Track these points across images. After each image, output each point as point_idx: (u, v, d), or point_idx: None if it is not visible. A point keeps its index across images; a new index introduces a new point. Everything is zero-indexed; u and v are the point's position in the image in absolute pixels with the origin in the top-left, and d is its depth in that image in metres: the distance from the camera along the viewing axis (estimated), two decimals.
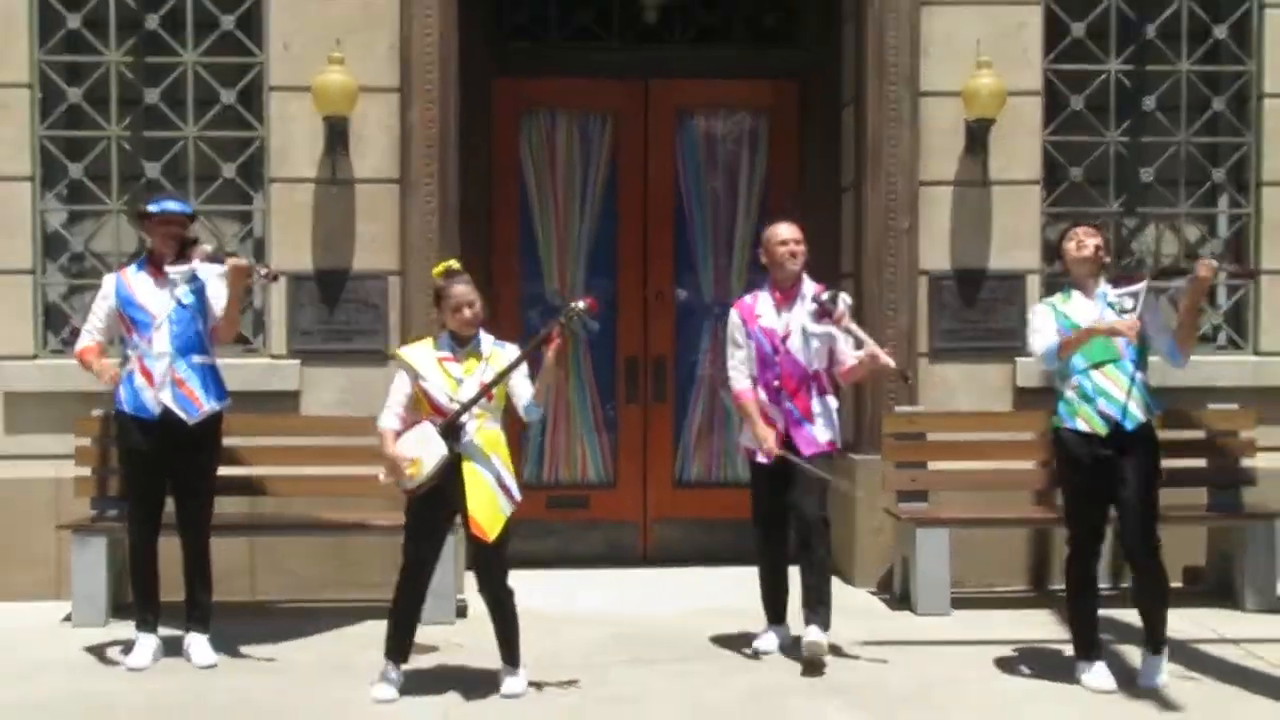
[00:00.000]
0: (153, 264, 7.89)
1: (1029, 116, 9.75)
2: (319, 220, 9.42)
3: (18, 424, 9.38)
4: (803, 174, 10.58)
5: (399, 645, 7.38)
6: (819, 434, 7.86)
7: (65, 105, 9.52)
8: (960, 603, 9.07)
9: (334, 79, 9.15)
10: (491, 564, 7.29)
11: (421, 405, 7.25)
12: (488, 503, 7.17)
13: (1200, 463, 9.48)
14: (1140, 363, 7.41)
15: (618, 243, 10.61)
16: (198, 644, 7.96)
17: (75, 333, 9.41)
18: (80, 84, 9.52)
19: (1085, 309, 7.44)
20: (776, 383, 7.85)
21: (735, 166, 10.71)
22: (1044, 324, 7.48)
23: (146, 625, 7.96)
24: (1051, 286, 9.81)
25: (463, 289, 7.22)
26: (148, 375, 7.78)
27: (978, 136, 9.62)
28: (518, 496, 7.28)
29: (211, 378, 7.94)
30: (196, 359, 7.85)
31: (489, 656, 8.02)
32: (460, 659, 8.11)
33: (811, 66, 10.50)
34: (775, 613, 8.24)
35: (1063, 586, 9.41)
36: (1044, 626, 8.69)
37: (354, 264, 9.38)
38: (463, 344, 7.27)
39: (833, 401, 7.95)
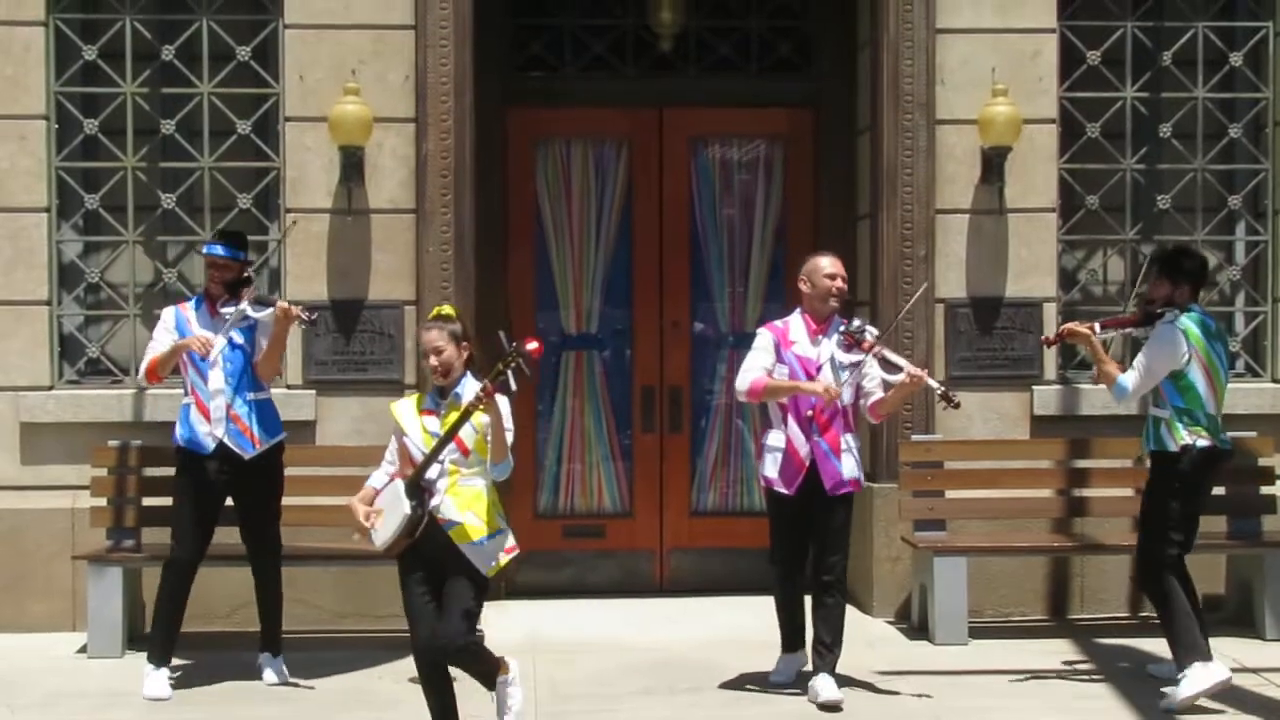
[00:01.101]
0: (209, 302, 8.13)
1: (1045, 144, 9.77)
2: (334, 250, 9.45)
3: (34, 454, 9.40)
4: (818, 202, 10.57)
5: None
6: (846, 470, 7.80)
7: (81, 136, 9.56)
8: (978, 632, 9.06)
9: (349, 109, 9.19)
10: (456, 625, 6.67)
11: (405, 462, 6.81)
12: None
13: (1219, 490, 9.38)
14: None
15: (633, 271, 10.61)
16: (273, 665, 8.20)
17: (91, 364, 9.52)
18: (97, 115, 9.55)
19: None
20: (810, 413, 7.74)
21: (750, 195, 10.72)
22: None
23: (163, 660, 8.04)
24: (1068, 315, 9.87)
25: (429, 335, 6.74)
26: (204, 411, 8.01)
27: (994, 164, 9.62)
28: (492, 563, 6.68)
29: (266, 413, 8.17)
30: (251, 396, 8.08)
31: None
32: (476, 688, 8.07)
33: (826, 95, 10.51)
34: (791, 642, 8.23)
35: (1084, 615, 9.50)
36: (1062, 656, 8.67)
37: (369, 294, 9.41)
38: (444, 395, 6.73)
39: (854, 440, 7.94)
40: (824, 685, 7.65)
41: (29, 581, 9.29)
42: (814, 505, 7.81)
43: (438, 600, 6.62)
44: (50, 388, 9.43)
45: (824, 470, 7.74)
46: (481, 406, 6.39)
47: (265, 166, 9.63)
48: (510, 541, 6.85)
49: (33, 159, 9.43)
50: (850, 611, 9.57)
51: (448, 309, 6.95)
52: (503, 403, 6.48)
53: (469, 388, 6.61)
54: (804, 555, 8.05)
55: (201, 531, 8.14)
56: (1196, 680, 7.49)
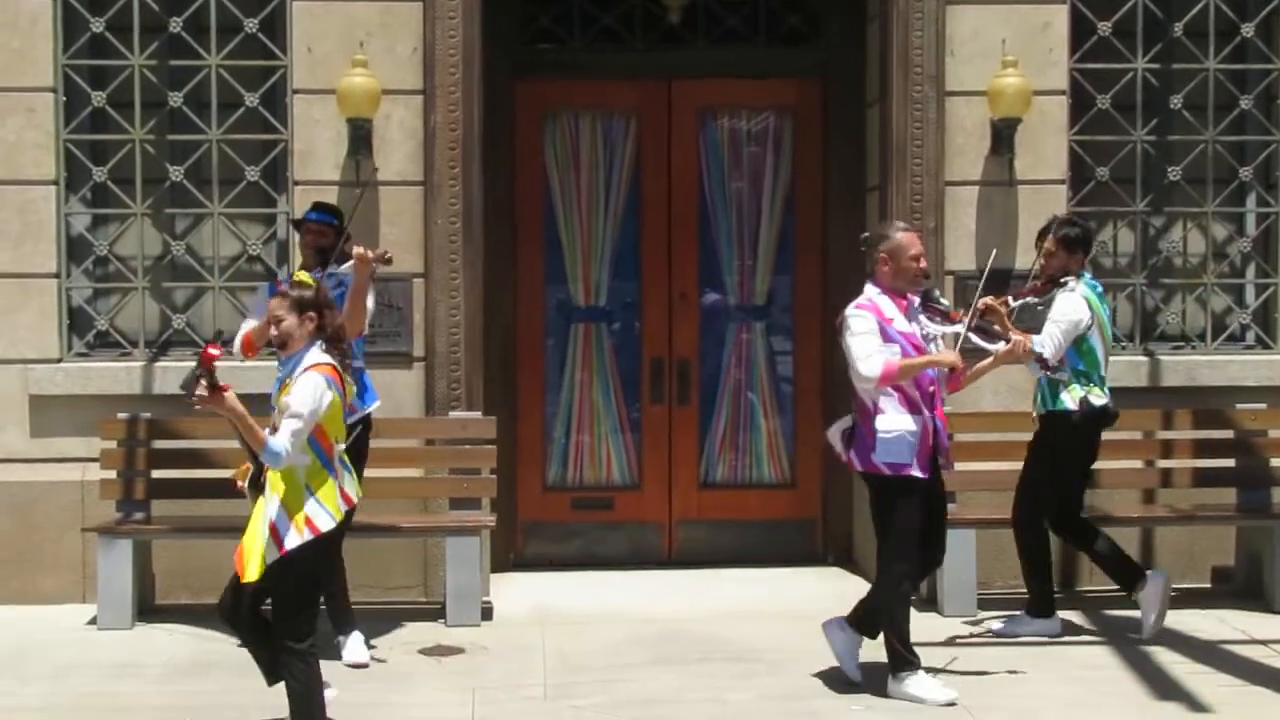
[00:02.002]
0: (304, 270, 8.14)
1: (1055, 116, 9.78)
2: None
3: (43, 427, 9.44)
4: (827, 174, 10.60)
5: None
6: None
7: (89, 109, 9.59)
8: (987, 603, 9.10)
9: (357, 82, 9.22)
10: (242, 605, 6.56)
11: None
12: (252, 543, 6.32)
13: (1229, 463, 9.50)
14: None
15: (641, 244, 10.64)
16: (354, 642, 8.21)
17: (100, 336, 9.55)
18: (104, 88, 9.58)
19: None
20: (932, 388, 7.49)
21: (759, 167, 10.74)
22: None
23: (341, 625, 8.25)
24: None
25: (271, 303, 6.54)
26: None
27: (1004, 136, 9.63)
28: (287, 546, 6.21)
29: (361, 384, 8.10)
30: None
31: (514, 656, 8.14)
32: (485, 660, 8.20)
33: (836, 66, 10.53)
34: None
35: (1092, 586, 9.56)
36: (1071, 627, 8.72)
37: (377, 267, 9.42)
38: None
39: None
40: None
41: (39, 554, 9.36)
42: (933, 486, 7.58)
43: None
44: (59, 360, 9.48)
45: (942, 447, 7.56)
46: (194, 402, 6.08)
47: (273, 139, 9.64)
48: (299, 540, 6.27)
49: (41, 132, 9.46)
50: (857, 583, 9.70)
51: (303, 276, 6.83)
52: (310, 390, 6.24)
53: (311, 358, 6.37)
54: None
55: None
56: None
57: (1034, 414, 8.60)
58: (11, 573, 9.34)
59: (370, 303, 8.14)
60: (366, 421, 8.20)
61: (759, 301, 10.74)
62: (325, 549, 6.44)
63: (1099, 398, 8.35)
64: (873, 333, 7.34)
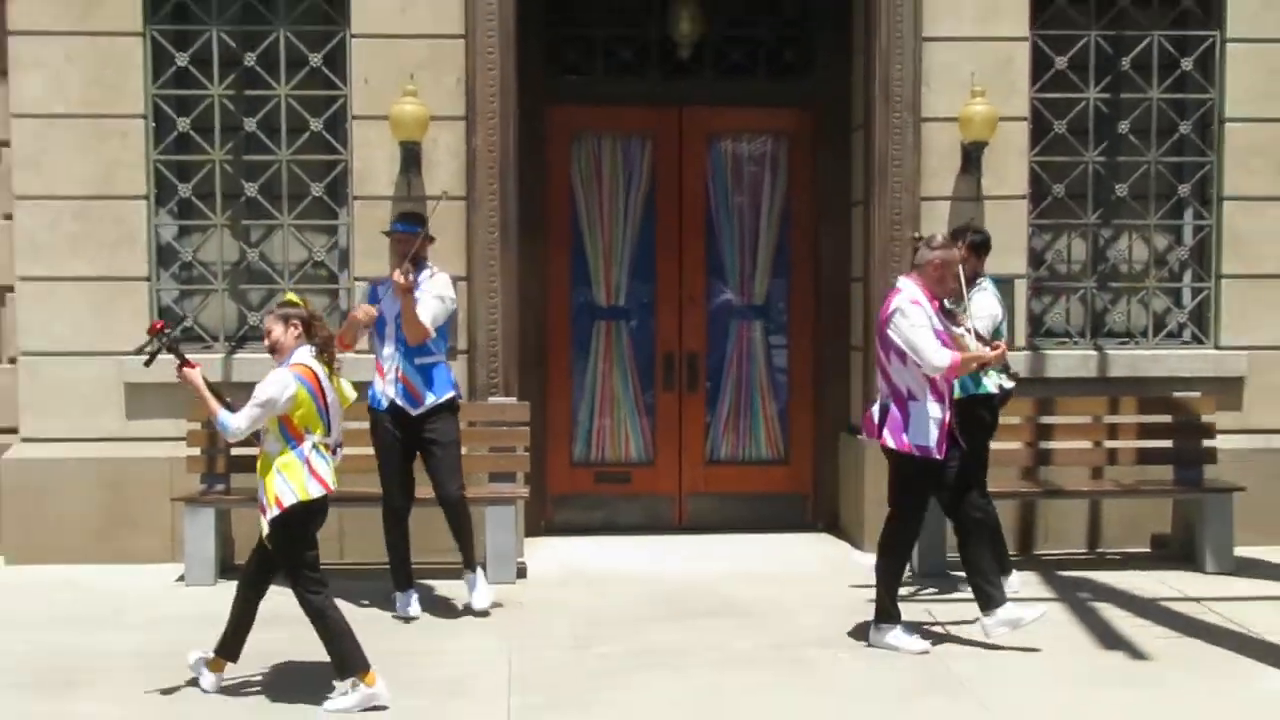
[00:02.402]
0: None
1: (1017, 139, 9.88)
2: None
3: (137, 411, 9.56)
4: (817, 190, 10.69)
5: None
6: None
7: (175, 133, 9.68)
8: (955, 565, 9.11)
9: (408, 109, 9.34)
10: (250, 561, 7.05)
11: None
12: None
13: (1167, 443, 9.63)
14: None
15: (656, 251, 10.73)
16: (479, 585, 8.32)
17: (185, 331, 9.64)
18: (188, 114, 9.68)
19: None
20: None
21: (758, 183, 10.83)
22: None
23: (404, 585, 8.38)
24: (1037, 290, 10.06)
25: (265, 321, 6.93)
26: (380, 372, 8.26)
27: (972, 157, 9.75)
28: (265, 519, 6.62)
29: (433, 375, 8.21)
30: (419, 360, 8.16)
31: (545, 610, 8.28)
32: (520, 613, 8.34)
33: (825, 96, 10.60)
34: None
35: (1047, 550, 9.65)
36: (1028, 585, 8.81)
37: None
38: None
39: None
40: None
41: (134, 521, 9.50)
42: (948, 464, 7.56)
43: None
44: None
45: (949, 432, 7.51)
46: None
47: (335, 159, 9.75)
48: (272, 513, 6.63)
49: (133, 153, 9.56)
50: (843, 548, 9.83)
51: (290, 296, 7.04)
52: (275, 381, 6.55)
53: (294, 359, 6.68)
54: None
55: (398, 479, 8.33)
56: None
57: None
58: (111, 536, 9.49)
59: (427, 314, 8.09)
60: (442, 408, 8.24)
61: (758, 301, 10.86)
62: (298, 521, 6.65)
63: (1007, 380, 8.50)
64: (928, 326, 7.33)
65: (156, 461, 9.48)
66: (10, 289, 9.73)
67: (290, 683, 7.04)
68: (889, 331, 7.42)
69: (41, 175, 9.53)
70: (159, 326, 7.03)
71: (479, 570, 8.36)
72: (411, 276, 8.04)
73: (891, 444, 7.47)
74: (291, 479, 6.59)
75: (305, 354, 6.71)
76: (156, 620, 8.13)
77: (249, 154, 9.79)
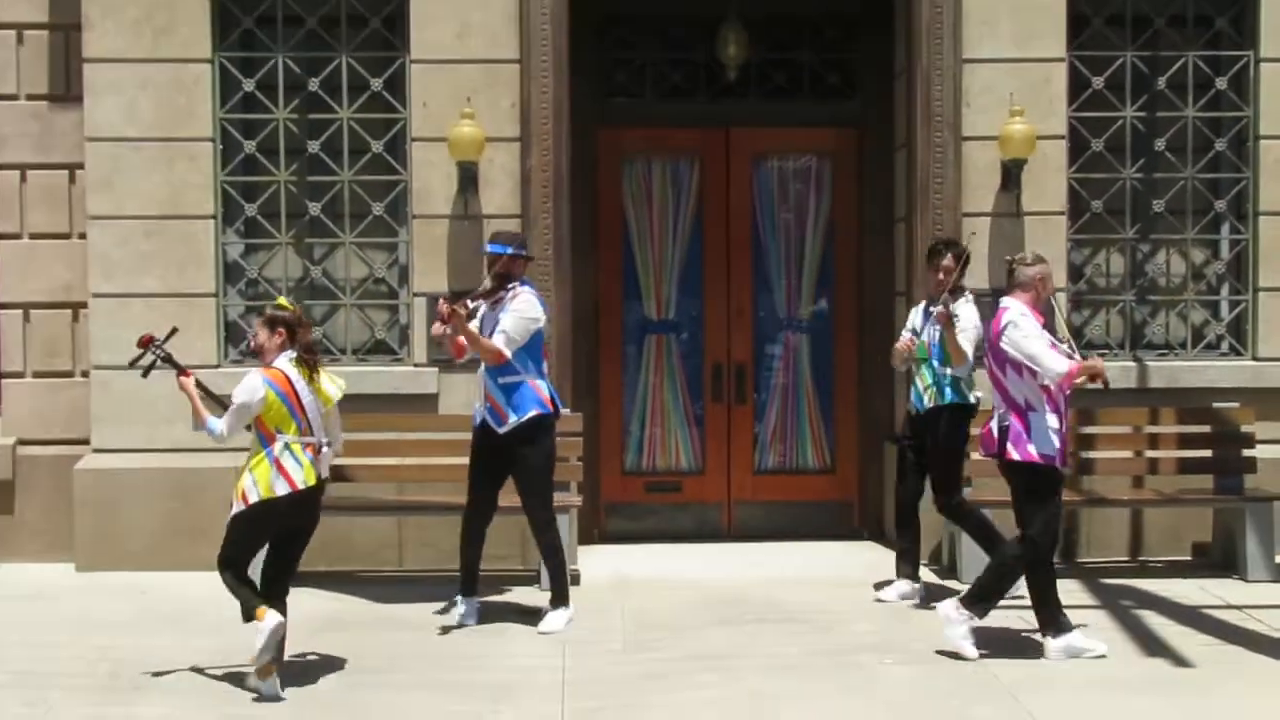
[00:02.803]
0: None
1: (1056, 157, 9.67)
2: (453, 250, 9.48)
3: None
4: (861, 208, 10.51)
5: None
6: None
7: (242, 155, 9.62)
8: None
9: (465, 131, 9.22)
10: None
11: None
12: None
13: (1207, 453, 9.40)
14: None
15: (704, 267, 10.58)
16: (550, 617, 7.98)
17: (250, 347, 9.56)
18: (254, 137, 9.61)
19: (916, 314, 8.74)
20: (1069, 393, 7.35)
21: (803, 202, 10.65)
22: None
23: (467, 590, 8.14)
24: (1077, 303, 9.82)
25: (256, 322, 7.22)
26: (480, 391, 8.01)
27: (1012, 175, 9.55)
28: (232, 511, 6.91)
29: (518, 394, 7.83)
30: (502, 379, 7.82)
31: (598, 616, 8.11)
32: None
33: (868, 116, 10.44)
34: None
35: (1090, 558, 9.45)
36: (1071, 593, 8.56)
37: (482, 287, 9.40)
38: None
39: None
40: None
41: (203, 529, 9.25)
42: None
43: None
44: (217, 366, 9.51)
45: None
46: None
47: (395, 179, 9.66)
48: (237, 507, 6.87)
49: (202, 175, 9.51)
50: (889, 554, 9.58)
51: (280, 301, 7.16)
52: (245, 386, 6.75)
53: (274, 363, 6.83)
54: None
55: (478, 489, 8.04)
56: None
57: (918, 411, 8.49)
58: (179, 544, 9.38)
59: (501, 334, 7.77)
60: (527, 427, 7.83)
61: (804, 315, 10.67)
62: (260, 516, 6.82)
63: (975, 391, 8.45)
64: (1042, 336, 7.14)
65: (224, 471, 9.18)
66: (84, 305, 9.65)
67: (351, 681, 6.85)
68: (1003, 345, 7.17)
69: (114, 196, 9.46)
70: (148, 339, 7.20)
71: (562, 610, 8.01)
72: (473, 303, 7.86)
73: (1017, 456, 7.14)
74: (259, 478, 6.75)
75: (284, 358, 6.82)
76: (222, 625, 7.95)
77: (312, 175, 9.70)
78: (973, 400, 8.39)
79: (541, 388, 7.90)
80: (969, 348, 8.22)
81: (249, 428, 6.88)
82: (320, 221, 9.67)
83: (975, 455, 8.23)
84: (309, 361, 6.87)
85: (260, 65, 9.61)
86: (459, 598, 8.16)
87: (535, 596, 8.43)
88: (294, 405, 6.76)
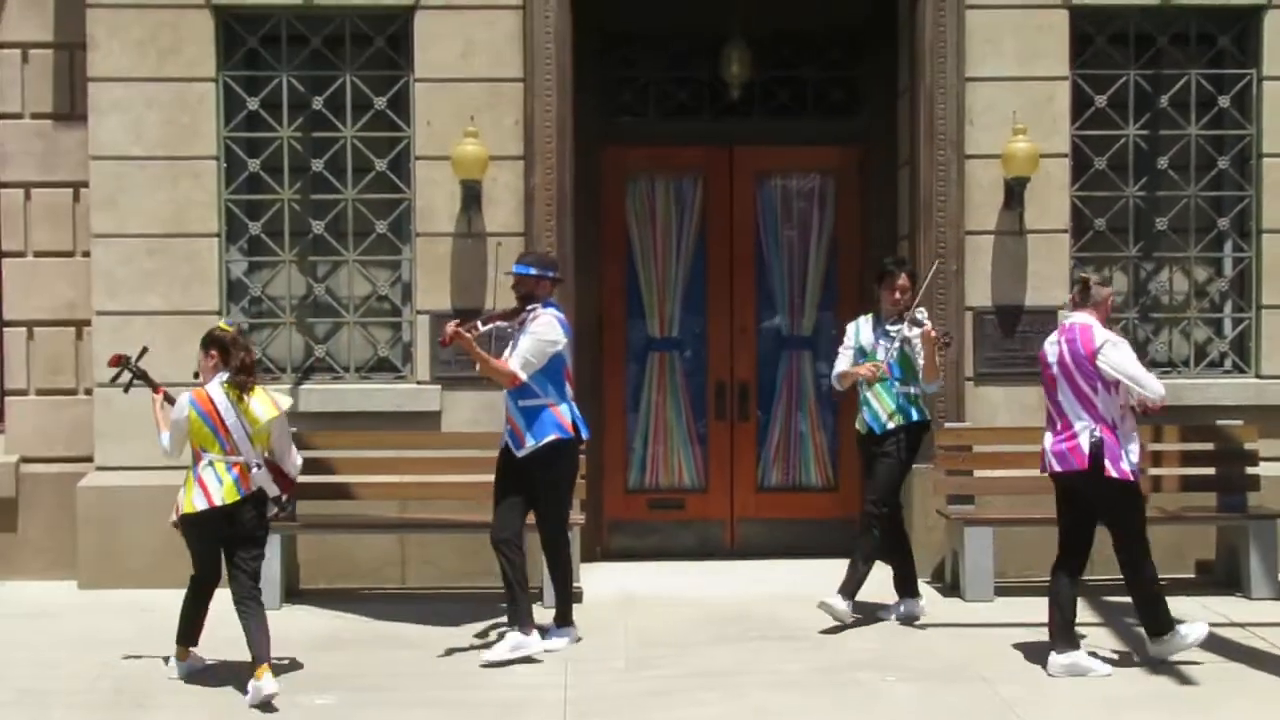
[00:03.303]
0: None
1: (1059, 175, 9.67)
2: (456, 268, 9.50)
3: None
4: (864, 226, 10.51)
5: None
6: None
7: (246, 174, 9.65)
8: (1003, 590, 9.00)
9: (469, 149, 9.24)
10: None
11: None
12: None
13: (1210, 471, 9.37)
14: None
15: (708, 285, 10.58)
16: (555, 635, 7.92)
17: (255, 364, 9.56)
18: (258, 156, 9.64)
19: (868, 333, 8.54)
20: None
21: (807, 220, 10.65)
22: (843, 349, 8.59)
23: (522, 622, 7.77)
24: None
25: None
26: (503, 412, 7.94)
27: (1015, 192, 9.55)
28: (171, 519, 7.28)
29: (538, 419, 7.65)
30: (522, 402, 7.66)
31: (601, 633, 8.10)
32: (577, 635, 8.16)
33: (871, 134, 10.44)
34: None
35: (1093, 576, 9.40)
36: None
37: (485, 305, 9.39)
38: None
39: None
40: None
41: None
42: None
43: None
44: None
45: None
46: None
47: (398, 198, 9.68)
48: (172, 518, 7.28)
49: (205, 193, 9.52)
50: (891, 572, 9.57)
51: (220, 324, 7.36)
52: (176, 406, 7.18)
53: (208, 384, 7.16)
54: None
55: (503, 510, 7.78)
56: None
57: (874, 433, 8.37)
58: (180, 562, 9.11)
59: (518, 357, 7.64)
60: (545, 450, 7.68)
61: (807, 333, 10.66)
62: (188, 528, 7.17)
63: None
64: (1136, 356, 7.31)
65: None
66: (87, 323, 9.66)
67: (352, 700, 6.83)
68: (1099, 364, 7.14)
69: (118, 214, 9.48)
70: (118, 359, 7.71)
71: (566, 630, 7.96)
72: (484, 325, 7.79)
73: (1114, 473, 7.14)
74: (185, 493, 7.07)
75: (215, 380, 7.08)
76: (224, 643, 7.96)
77: (316, 193, 9.72)
78: (928, 417, 8.56)
79: (563, 412, 7.75)
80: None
81: None
82: (324, 239, 9.69)
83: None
84: (239, 383, 7.06)
85: (264, 84, 9.63)
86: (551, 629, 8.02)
87: (539, 613, 8.38)
88: (216, 425, 7.01)
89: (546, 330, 7.69)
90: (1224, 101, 9.88)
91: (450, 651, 7.82)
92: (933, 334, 8.10)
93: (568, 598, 8.05)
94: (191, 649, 7.42)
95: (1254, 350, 9.92)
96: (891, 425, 8.31)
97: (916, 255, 9.62)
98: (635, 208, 10.60)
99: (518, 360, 7.64)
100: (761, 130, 10.55)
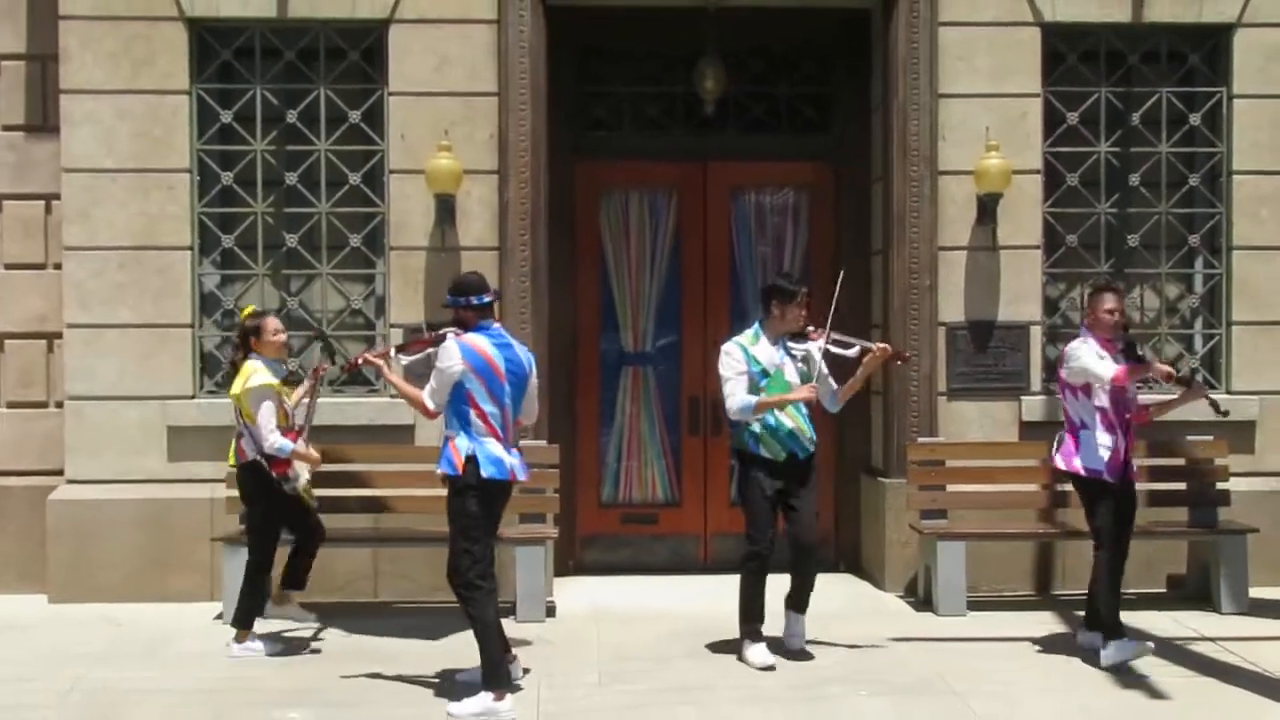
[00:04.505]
0: None
1: (1031, 191, 9.72)
2: (431, 282, 9.48)
3: (178, 453, 9.44)
4: (838, 241, 10.52)
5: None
6: None
7: (219, 186, 9.62)
8: (975, 605, 9.02)
9: (443, 163, 9.24)
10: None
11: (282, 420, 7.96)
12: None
13: (1181, 486, 9.42)
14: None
15: (682, 299, 10.58)
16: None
17: (227, 377, 9.51)
18: (231, 169, 9.61)
19: (768, 353, 7.91)
20: (1128, 415, 7.84)
21: (780, 235, 10.66)
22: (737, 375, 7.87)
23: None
24: (1052, 337, 9.85)
25: (277, 321, 8.09)
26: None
27: (988, 208, 9.59)
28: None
29: (442, 450, 7.17)
30: (444, 431, 7.23)
31: (574, 648, 8.09)
32: (549, 650, 8.13)
33: (845, 150, 10.47)
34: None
35: (1065, 591, 9.45)
36: (1047, 625, 8.64)
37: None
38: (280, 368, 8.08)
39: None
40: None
41: (174, 559, 9.36)
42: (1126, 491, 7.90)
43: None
44: (192, 397, 9.52)
45: (1129, 463, 7.87)
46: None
47: (372, 211, 9.66)
48: None
49: (178, 206, 9.49)
50: (865, 587, 9.62)
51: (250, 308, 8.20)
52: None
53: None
54: None
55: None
56: None
57: (788, 456, 7.93)
58: (152, 575, 9.35)
59: (425, 390, 7.18)
60: (450, 483, 7.20)
61: None
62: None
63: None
64: (1095, 353, 7.76)
65: (197, 502, 9.35)
66: (59, 335, 9.63)
67: (322, 715, 6.79)
68: (1061, 373, 7.97)
69: (90, 227, 9.45)
70: (353, 365, 7.94)
71: (484, 694, 6.99)
72: (395, 353, 7.71)
73: (1065, 467, 7.90)
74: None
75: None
76: (195, 657, 7.99)
77: (290, 206, 9.70)
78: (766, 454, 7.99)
79: (459, 446, 7.07)
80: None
81: None
82: (297, 253, 9.66)
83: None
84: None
85: (238, 97, 9.61)
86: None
87: (511, 628, 8.35)
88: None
89: (444, 357, 7.12)
90: (1195, 119, 9.95)
91: (422, 666, 7.79)
92: (888, 350, 7.97)
93: (488, 654, 7.06)
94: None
95: (1224, 366, 9.97)
96: (812, 449, 8.01)
97: (889, 270, 9.66)
98: (610, 222, 10.60)
99: (426, 390, 7.20)
100: (735, 145, 10.57)
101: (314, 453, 8.06)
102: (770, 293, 8.00)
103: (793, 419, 7.89)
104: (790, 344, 7.97)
